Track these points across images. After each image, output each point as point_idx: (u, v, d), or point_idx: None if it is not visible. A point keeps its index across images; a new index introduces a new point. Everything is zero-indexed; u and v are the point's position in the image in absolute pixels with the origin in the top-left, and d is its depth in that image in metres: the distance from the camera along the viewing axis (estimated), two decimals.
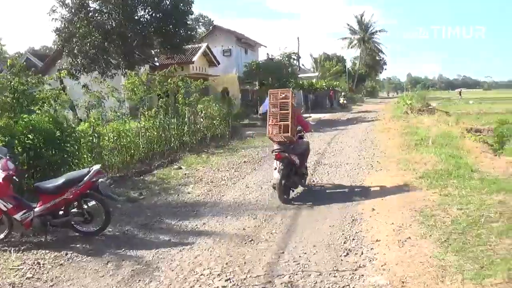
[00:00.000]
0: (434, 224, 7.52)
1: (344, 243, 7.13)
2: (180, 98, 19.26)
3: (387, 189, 10.56)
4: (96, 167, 8.19)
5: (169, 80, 18.88)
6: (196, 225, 8.61)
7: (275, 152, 10.13)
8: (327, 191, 11.35)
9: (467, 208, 8.27)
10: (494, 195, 9.02)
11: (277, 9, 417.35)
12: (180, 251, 7.21)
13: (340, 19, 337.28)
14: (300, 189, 11.06)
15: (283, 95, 10.58)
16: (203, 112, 21.47)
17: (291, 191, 10.46)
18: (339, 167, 14.11)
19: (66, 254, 7.27)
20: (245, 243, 7.37)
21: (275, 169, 10.01)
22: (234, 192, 11.26)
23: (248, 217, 8.92)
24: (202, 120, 21.50)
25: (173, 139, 18.29)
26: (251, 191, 11.29)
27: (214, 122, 22.35)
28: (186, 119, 19.68)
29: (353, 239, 7.29)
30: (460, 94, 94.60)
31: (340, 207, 9.36)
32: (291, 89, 12.31)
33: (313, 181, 12.16)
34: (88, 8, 26.20)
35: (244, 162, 15.66)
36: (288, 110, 10.32)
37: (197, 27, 73.35)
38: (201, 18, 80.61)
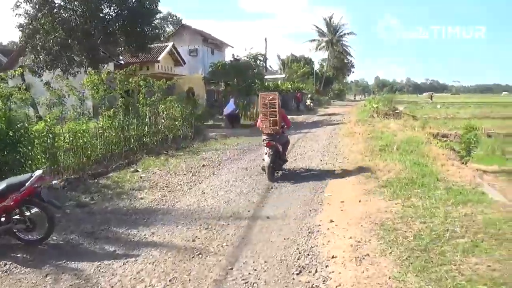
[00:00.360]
0: (395, 240, 6.91)
1: (298, 259, 6.53)
2: (141, 98, 18.55)
3: (347, 200, 9.89)
4: (38, 172, 7.59)
5: (130, 79, 18.24)
6: (144, 234, 7.96)
7: (266, 141, 12.77)
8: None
9: (431, 221, 7.69)
10: (460, 207, 8.50)
11: (249, 10, 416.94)
12: (123, 264, 6.60)
13: (310, 21, 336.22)
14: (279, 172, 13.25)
15: (271, 97, 13.10)
16: (165, 112, 20.73)
17: (275, 173, 12.88)
18: (301, 173, 13.55)
19: (5, 264, 6.71)
20: (193, 257, 6.74)
21: (266, 154, 12.64)
22: (189, 198, 10.56)
23: (200, 227, 8.26)
24: (163, 120, 20.73)
25: (132, 140, 17.51)
26: (207, 197, 10.61)
27: (176, 123, 21.56)
28: (146, 120, 18.95)
29: (308, 255, 6.68)
30: (431, 98, 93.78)
31: (297, 217, 8.76)
32: (276, 92, 14.29)
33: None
34: (53, 4, 25.64)
35: (203, 166, 14.89)
36: (275, 108, 12.82)
37: (165, 26, 72.72)
38: (169, 17, 79.34)
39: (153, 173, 13.66)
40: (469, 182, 10.70)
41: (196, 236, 7.71)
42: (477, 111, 51.25)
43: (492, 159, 19.31)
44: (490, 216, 7.83)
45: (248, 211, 9.32)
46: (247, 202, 10.01)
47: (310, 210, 9.28)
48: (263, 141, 13.02)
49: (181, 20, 76.35)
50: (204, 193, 11.10)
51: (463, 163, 14.82)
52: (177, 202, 10.30)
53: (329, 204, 9.73)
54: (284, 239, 7.45)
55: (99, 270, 6.44)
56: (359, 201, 9.69)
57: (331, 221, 8.35)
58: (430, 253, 6.31)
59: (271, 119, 12.80)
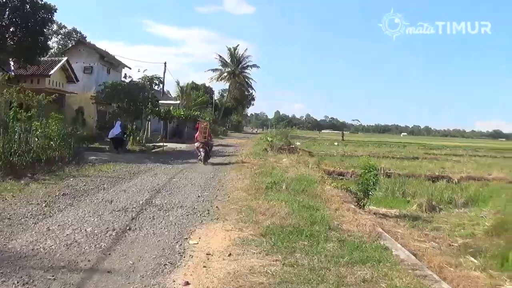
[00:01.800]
0: None
1: None
2: (11, 113, 16.43)
3: (215, 251, 7.95)
4: None
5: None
6: None
7: (201, 144, 23.77)
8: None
9: None
10: (357, 268, 6.90)
11: (153, 36, 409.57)
12: None
13: (215, 51, 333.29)
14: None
15: (205, 124, 25.73)
16: (39, 130, 18.51)
17: (207, 162, 23.39)
18: (170, 210, 11.55)
19: None
20: None
21: (200, 152, 23.65)
22: (28, 237, 8.39)
23: (19, 280, 6.19)
24: (37, 139, 18.44)
25: None
26: (50, 236, 8.50)
27: (52, 142, 19.20)
28: (15, 137, 16.76)
29: None
30: (342, 137, 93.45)
31: (147, 273, 6.77)
32: (207, 121, 28.61)
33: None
34: None
35: (63, 194, 12.75)
36: (206, 129, 24.55)
37: (68, 41, 69.56)
38: (74, 33, 75.48)
39: (3, 200, 11.48)
40: (368, 233, 9.28)
41: None
42: (376, 150, 51.78)
43: (392, 201, 18.68)
44: (397, 284, 6.27)
45: (89, 260, 7.26)
46: (93, 247, 7.97)
47: (166, 264, 7.25)
48: (198, 145, 24.03)
49: (85, 37, 72.84)
50: (49, 230, 8.99)
51: (360, 206, 13.70)
52: (11, 240, 8.14)
53: (191, 256, 7.73)
54: None
55: None
56: (229, 254, 7.76)
57: (187, 283, 6.39)
58: None
59: (204, 134, 24.03)
